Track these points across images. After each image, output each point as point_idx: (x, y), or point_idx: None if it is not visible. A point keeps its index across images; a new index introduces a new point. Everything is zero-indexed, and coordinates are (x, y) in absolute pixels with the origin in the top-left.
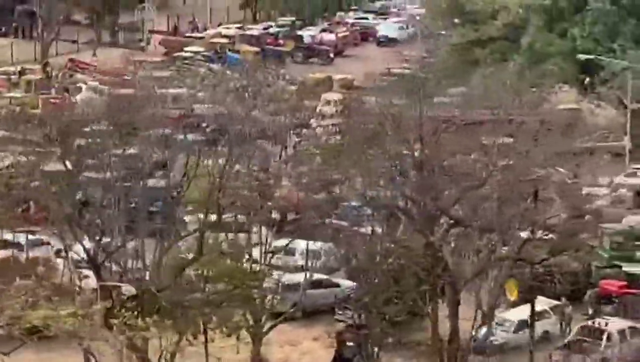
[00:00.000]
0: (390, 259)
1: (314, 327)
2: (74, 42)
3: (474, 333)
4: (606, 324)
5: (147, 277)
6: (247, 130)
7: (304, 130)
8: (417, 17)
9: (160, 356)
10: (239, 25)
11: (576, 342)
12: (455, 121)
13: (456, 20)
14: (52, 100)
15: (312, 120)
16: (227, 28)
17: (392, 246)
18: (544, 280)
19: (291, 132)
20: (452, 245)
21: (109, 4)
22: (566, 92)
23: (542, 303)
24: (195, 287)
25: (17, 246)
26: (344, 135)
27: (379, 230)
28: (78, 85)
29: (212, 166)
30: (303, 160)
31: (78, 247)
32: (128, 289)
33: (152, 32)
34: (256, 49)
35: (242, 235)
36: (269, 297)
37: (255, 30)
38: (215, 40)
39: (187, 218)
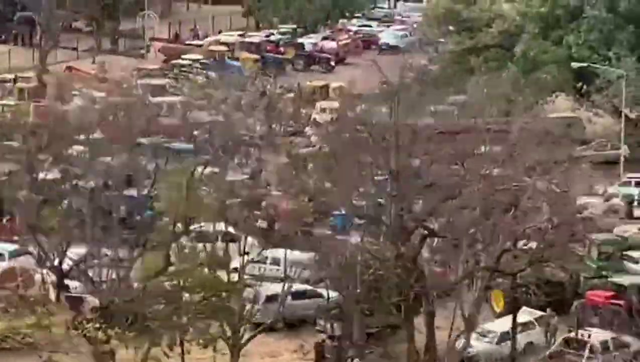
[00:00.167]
0: (372, 270)
1: (296, 339)
2: (74, 49)
3: (452, 344)
4: (589, 336)
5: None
6: (239, 138)
7: (298, 139)
8: (414, 25)
9: None
10: (240, 32)
11: (559, 354)
12: (431, 131)
13: (451, 28)
14: (43, 109)
15: (307, 128)
16: (228, 35)
17: (369, 255)
18: (524, 291)
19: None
20: (427, 255)
21: (108, 11)
22: (562, 100)
23: (527, 314)
24: (170, 297)
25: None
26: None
27: (357, 239)
28: (72, 93)
29: (198, 175)
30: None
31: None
32: (93, 300)
33: (153, 39)
34: (256, 56)
35: (220, 244)
36: (248, 307)
37: (256, 37)
38: (213, 47)
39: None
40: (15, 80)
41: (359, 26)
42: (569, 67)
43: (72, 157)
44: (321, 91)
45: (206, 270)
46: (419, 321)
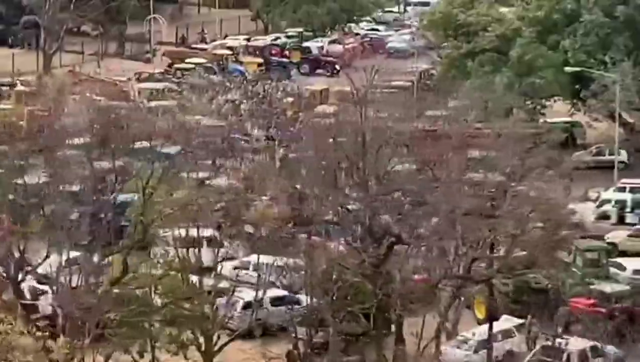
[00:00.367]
0: (343, 276)
1: (274, 346)
2: (81, 53)
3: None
4: (566, 344)
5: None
6: (234, 142)
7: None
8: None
9: None
10: (247, 36)
11: None
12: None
13: (449, 32)
14: (38, 113)
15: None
16: (234, 39)
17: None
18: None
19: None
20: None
21: (114, 15)
22: (562, 105)
23: (507, 322)
24: (136, 303)
25: None
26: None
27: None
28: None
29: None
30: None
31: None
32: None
33: (160, 43)
34: (260, 60)
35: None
36: (221, 314)
37: (260, 41)
38: (218, 51)
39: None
40: (14, 84)
41: (368, 30)
42: (565, 72)
43: (61, 161)
44: (321, 95)
45: (179, 276)
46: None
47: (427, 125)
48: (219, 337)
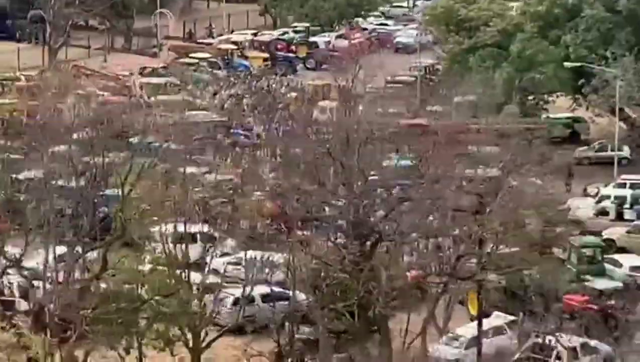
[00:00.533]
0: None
1: (264, 342)
2: (87, 47)
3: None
4: (556, 342)
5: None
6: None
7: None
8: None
9: None
10: (254, 31)
11: (525, 360)
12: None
13: (451, 27)
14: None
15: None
16: (241, 34)
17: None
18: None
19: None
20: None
21: (118, 9)
22: (565, 100)
23: (499, 319)
24: (129, 300)
25: None
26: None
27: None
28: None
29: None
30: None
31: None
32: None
33: (167, 38)
34: (265, 55)
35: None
36: (209, 310)
37: (267, 36)
38: (222, 46)
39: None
40: (17, 79)
41: (377, 25)
42: (565, 66)
43: (58, 156)
44: (323, 90)
45: (166, 271)
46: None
47: (420, 121)
48: (206, 334)
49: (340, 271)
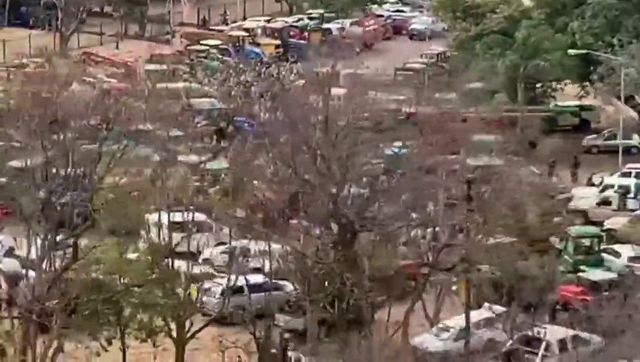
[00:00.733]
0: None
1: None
2: (101, 34)
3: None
4: (545, 333)
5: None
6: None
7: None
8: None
9: None
10: (268, 17)
11: (515, 351)
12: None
13: (458, 14)
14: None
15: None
16: (254, 21)
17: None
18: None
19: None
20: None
21: None
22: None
23: (490, 310)
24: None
25: None
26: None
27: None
28: (86, 78)
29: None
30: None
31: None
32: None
33: (181, 24)
34: (277, 42)
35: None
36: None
37: (279, 23)
38: (234, 33)
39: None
40: (22, 66)
41: (393, 11)
42: (572, 54)
43: (58, 144)
44: (332, 78)
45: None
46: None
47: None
48: (191, 324)
49: (316, 262)
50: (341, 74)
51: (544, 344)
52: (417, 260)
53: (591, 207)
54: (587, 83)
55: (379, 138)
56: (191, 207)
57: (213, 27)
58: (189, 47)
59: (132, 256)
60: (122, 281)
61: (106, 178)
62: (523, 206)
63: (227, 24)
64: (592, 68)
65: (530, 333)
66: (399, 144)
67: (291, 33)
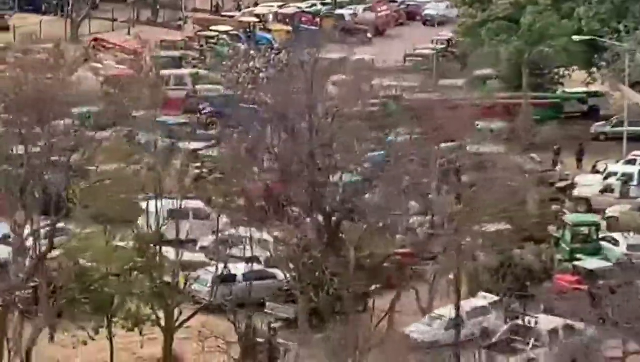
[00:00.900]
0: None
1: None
2: (114, 20)
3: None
4: (535, 323)
5: None
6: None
7: None
8: None
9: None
10: (281, 3)
11: (505, 341)
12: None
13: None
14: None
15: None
16: (266, 6)
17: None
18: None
19: None
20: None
21: None
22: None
23: (483, 299)
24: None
25: None
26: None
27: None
28: (93, 64)
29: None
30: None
31: None
32: None
33: (194, 10)
34: (288, 28)
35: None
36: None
37: (291, 8)
38: (244, 19)
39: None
40: (25, 52)
41: None
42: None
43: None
44: (337, 64)
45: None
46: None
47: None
48: (180, 313)
49: (299, 250)
50: (348, 60)
51: (535, 333)
52: (408, 248)
53: (594, 195)
54: (594, 69)
55: (370, 126)
56: (189, 195)
57: (224, 13)
58: (199, 33)
59: (120, 243)
60: (107, 269)
61: (96, 165)
62: (518, 193)
63: (240, 10)
64: (598, 54)
65: (520, 322)
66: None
67: (303, 19)
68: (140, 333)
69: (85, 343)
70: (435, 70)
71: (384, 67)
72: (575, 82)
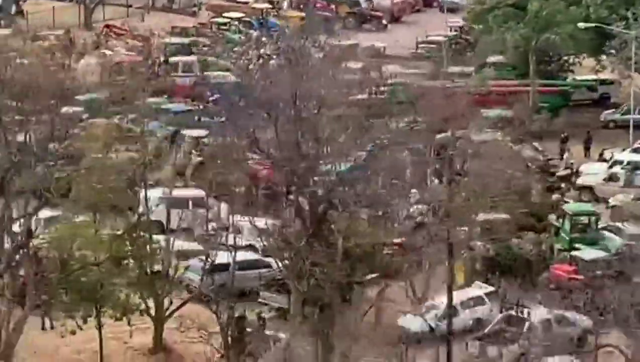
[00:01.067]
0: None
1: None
2: (129, 6)
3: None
4: (528, 313)
5: None
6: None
7: None
8: None
9: None
10: None
11: (498, 332)
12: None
13: None
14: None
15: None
16: None
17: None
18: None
19: None
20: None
21: None
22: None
23: (478, 289)
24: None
25: None
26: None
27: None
28: (103, 51)
29: None
30: None
31: None
32: None
33: None
34: (302, 14)
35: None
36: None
37: None
38: (257, 5)
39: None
40: (35, 39)
41: None
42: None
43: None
44: (349, 52)
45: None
46: None
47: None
48: (171, 302)
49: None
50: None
51: (527, 324)
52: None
53: (598, 184)
54: (603, 57)
55: (372, 114)
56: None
57: (239, 0)
58: (212, 20)
59: (112, 232)
60: (96, 258)
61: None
62: (514, 182)
63: None
64: (606, 42)
65: (513, 313)
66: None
67: (318, 5)
68: (129, 323)
69: (73, 333)
70: (447, 58)
71: (394, 55)
72: (587, 69)
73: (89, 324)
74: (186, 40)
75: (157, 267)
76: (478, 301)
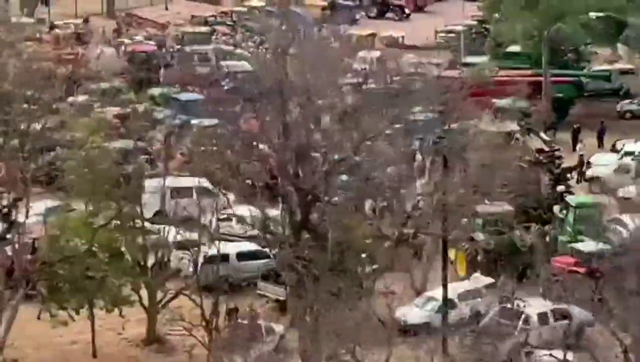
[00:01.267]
0: None
1: (237, 302)
2: None
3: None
4: (524, 306)
5: None
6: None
7: None
8: None
9: None
10: None
11: (492, 324)
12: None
13: None
14: (65, 57)
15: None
16: None
17: None
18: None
19: None
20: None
21: None
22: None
23: (477, 281)
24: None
25: None
26: None
27: None
28: (120, 40)
29: None
30: None
31: None
32: None
33: None
34: (324, 3)
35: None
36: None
37: None
38: None
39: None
40: (52, 27)
41: None
42: (606, 18)
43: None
44: (367, 40)
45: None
46: None
47: None
48: (165, 294)
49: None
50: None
51: (523, 317)
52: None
53: (607, 175)
54: (619, 46)
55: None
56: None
57: None
58: (234, 9)
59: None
60: (90, 248)
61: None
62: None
63: None
64: (622, 31)
65: (509, 306)
66: None
67: None
68: (120, 314)
69: (66, 323)
70: (464, 48)
71: (411, 45)
72: (603, 60)
73: (83, 315)
74: (204, 29)
75: (151, 257)
76: (476, 293)
